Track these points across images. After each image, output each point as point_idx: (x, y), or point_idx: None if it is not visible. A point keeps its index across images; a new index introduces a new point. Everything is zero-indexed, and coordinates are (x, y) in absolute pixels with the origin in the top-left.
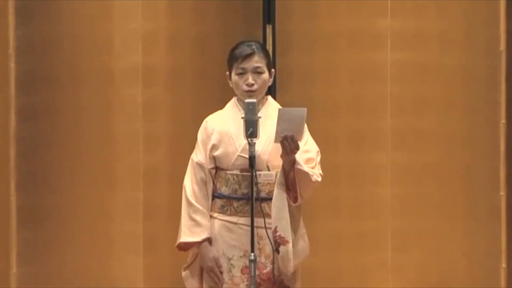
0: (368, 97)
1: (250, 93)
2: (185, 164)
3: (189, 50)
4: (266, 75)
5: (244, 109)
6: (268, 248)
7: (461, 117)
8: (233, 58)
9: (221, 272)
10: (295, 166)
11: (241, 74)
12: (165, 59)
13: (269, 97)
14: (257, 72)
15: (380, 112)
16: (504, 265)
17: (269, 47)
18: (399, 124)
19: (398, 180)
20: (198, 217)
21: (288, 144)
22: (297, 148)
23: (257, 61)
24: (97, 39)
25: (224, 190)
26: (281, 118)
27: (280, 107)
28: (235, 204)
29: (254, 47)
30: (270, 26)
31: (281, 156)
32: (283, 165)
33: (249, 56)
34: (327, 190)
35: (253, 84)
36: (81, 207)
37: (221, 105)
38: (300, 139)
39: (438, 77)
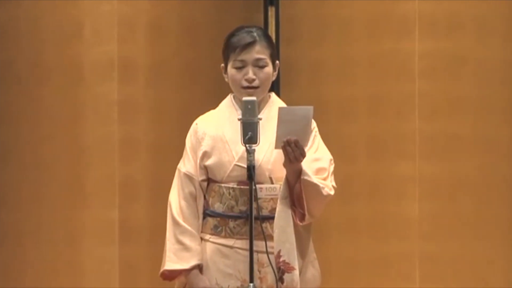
0: (391, 96)
1: (250, 90)
2: (170, 175)
3: (174, 39)
4: (269, 68)
5: (241, 108)
6: (270, 277)
7: (503, 121)
8: (230, 48)
9: None
10: (302, 177)
11: (240, 67)
12: (146, 50)
13: (273, 95)
14: (258, 65)
15: (405, 114)
16: None
17: (272, 34)
18: (429, 128)
19: (427, 195)
20: (186, 240)
21: (292, 150)
22: (303, 155)
23: (259, 51)
24: (63, 25)
25: (218, 207)
26: (282, 119)
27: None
28: (231, 224)
29: (255, 34)
30: (273, 8)
31: (284, 165)
32: (286, 176)
33: (249, 45)
34: (341, 207)
35: (253, 80)
36: (44, 227)
37: (213, 105)
38: (305, 144)
39: (476, 72)
